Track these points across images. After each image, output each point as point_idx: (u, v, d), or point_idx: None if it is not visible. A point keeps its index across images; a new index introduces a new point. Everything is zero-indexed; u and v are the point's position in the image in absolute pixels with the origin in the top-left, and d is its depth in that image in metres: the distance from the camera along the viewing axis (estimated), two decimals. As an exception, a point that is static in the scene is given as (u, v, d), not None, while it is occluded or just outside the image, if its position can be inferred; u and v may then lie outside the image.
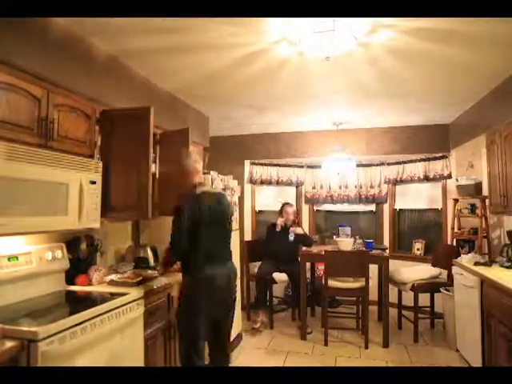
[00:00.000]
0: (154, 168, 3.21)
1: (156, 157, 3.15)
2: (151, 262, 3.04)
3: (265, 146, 5.44)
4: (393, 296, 4.12)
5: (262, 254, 4.68)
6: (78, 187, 2.16)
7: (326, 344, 3.83)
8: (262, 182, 5.52)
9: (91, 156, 2.40)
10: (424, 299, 4.15)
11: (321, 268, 4.85)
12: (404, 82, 3.30)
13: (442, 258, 4.17)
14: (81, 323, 1.78)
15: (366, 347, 3.75)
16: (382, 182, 5.44)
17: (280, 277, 4.49)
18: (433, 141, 4.91)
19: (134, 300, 2.22)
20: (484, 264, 3.06)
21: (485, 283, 2.81)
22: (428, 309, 4.30)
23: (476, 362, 2.97)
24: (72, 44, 2.32)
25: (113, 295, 2.17)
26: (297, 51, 2.61)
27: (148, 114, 2.54)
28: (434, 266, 4.26)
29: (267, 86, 3.39)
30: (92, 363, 1.82)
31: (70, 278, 2.44)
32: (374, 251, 4.19)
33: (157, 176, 2.96)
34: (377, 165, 5.46)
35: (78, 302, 2.23)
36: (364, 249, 4.25)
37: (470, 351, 3.17)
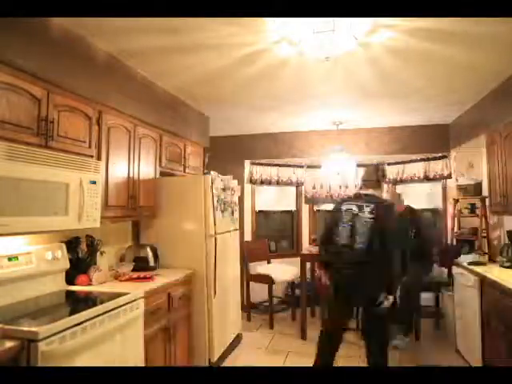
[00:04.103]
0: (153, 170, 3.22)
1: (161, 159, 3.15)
2: (151, 261, 3.04)
3: (265, 146, 5.43)
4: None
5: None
6: (78, 187, 2.16)
7: (326, 344, 3.82)
8: (262, 182, 5.51)
9: (91, 156, 2.40)
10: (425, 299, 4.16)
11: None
12: (404, 82, 3.29)
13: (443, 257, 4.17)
14: (81, 323, 1.78)
15: (366, 347, 3.74)
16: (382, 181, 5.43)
17: (280, 276, 4.48)
18: (433, 141, 4.90)
19: (134, 300, 2.22)
20: (484, 264, 3.06)
21: (485, 283, 2.81)
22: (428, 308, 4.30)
23: (476, 361, 2.97)
24: (72, 44, 2.31)
25: (113, 295, 2.17)
26: (297, 51, 2.60)
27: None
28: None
29: (267, 86, 3.38)
30: (92, 363, 1.82)
31: (70, 278, 2.44)
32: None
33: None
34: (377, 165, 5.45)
35: (77, 302, 2.23)
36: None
37: (470, 351, 3.17)
